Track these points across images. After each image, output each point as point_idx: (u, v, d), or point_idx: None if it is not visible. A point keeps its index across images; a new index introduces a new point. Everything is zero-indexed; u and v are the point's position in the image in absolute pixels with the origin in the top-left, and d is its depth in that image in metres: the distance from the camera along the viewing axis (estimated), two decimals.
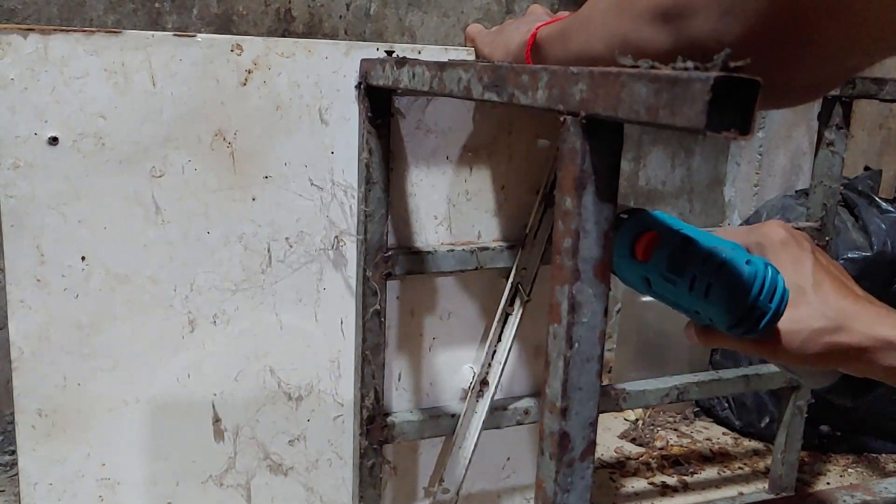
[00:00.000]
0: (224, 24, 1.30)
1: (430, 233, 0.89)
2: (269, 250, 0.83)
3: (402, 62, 0.62)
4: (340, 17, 1.39)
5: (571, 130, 0.37)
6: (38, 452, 0.78)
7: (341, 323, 0.87)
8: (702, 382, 0.98)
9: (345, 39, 1.39)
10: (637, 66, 0.33)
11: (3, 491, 1.13)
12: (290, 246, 0.83)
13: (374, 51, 0.81)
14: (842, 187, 1.17)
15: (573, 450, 0.41)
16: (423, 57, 0.81)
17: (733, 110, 0.29)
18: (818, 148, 1.04)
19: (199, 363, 0.83)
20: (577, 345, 0.39)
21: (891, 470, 1.41)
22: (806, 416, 1.11)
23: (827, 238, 1.02)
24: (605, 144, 0.37)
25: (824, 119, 1.03)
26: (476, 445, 0.88)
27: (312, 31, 1.38)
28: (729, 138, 0.29)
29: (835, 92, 0.97)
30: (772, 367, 1.05)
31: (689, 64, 0.30)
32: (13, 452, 0.78)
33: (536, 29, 0.66)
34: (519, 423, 0.87)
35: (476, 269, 0.83)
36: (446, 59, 0.70)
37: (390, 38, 1.44)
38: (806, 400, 1.07)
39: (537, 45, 0.66)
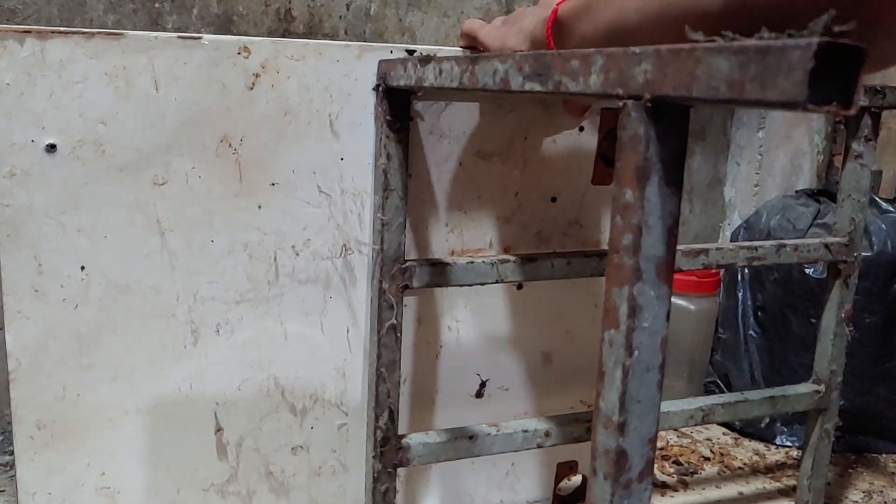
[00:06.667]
0: (224, 24, 1.27)
1: (441, 241, 0.86)
2: (275, 259, 0.80)
3: (426, 59, 0.59)
4: (340, 17, 1.36)
5: (633, 115, 0.33)
6: (36, 462, 0.76)
7: (347, 332, 0.84)
8: (727, 404, 0.94)
9: (345, 39, 1.36)
10: (713, 41, 0.30)
11: (4, 491, 1.11)
12: (297, 255, 0.80)
13: (388, 53, 0.78)
14: None
15: (630, 469, 0.37)
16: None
17: (834, 82, 0.26)
18: (845, 160, 0.99)
19: (202, 373, 0.80)
20: (637, 352, 0.35)
21: (891, 470, 1.37)
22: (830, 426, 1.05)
23: (855, 254, 0.97)
24: (671, 130, 0.33)
25: (852, 130, 0.98)
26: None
27: (312, 31, 1.35)
28: (830, 113, 0.26)
29: (863, 102, 0.92)
30: (798, 389, 1.00)
31: (778, 34, 0.27)
32: (13, 452, 0.75)
33: (557, 5, 0.61)
34: (539, 447, 0.83)
35: (496, 282, 0.79)
36: None
37: (390, 38, 1.41)
38: (834, 422, 1.02)
39: (559, 23, 0.62)
